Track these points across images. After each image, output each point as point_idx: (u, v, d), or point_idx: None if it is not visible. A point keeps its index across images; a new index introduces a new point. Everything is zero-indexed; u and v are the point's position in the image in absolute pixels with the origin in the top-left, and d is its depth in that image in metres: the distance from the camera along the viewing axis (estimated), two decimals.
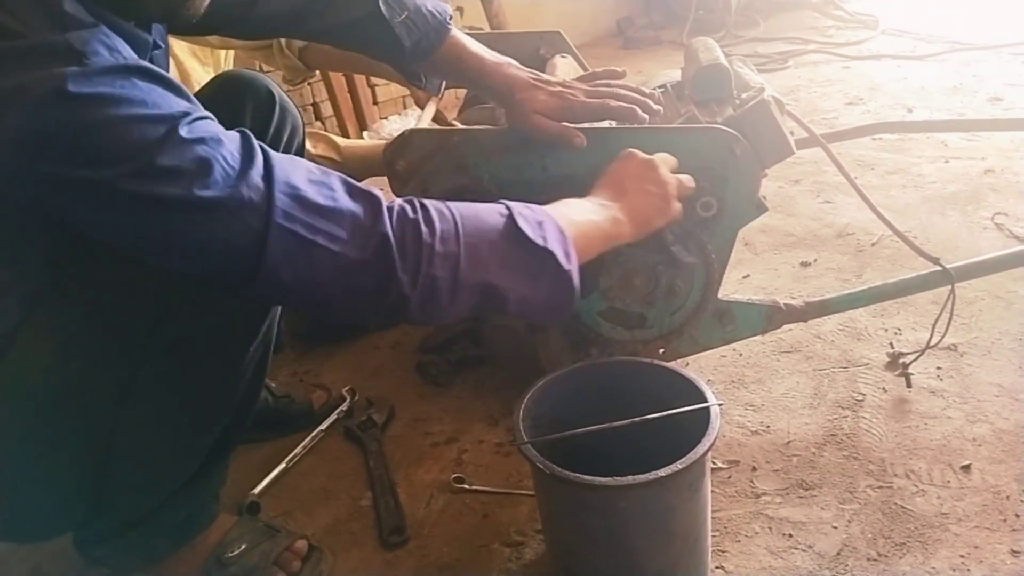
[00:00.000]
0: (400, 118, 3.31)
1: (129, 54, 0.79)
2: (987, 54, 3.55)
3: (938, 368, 1.50)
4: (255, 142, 0.82)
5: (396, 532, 1.23)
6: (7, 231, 0.84)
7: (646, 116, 1.19)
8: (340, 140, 1.98)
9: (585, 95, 1.19)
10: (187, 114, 0.77)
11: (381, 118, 3.23)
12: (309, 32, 1.25)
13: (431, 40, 1.22)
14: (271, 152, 0.82)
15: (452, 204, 0.90)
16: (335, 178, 0.85)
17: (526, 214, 0.93)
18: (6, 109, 0.71)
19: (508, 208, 0.93)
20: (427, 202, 0.88)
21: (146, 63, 0.79)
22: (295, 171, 0.83)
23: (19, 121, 0.71)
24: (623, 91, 1.21)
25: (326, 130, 3.18)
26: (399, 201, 0.87)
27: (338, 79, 3.04)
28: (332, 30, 1.22)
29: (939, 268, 1.38)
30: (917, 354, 1.47)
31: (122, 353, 0.92)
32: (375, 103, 3.20)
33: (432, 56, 1.23)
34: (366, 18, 1.19)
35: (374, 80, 3.17)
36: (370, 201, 0.85)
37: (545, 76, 1.24)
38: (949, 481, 1.24)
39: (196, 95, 1.31)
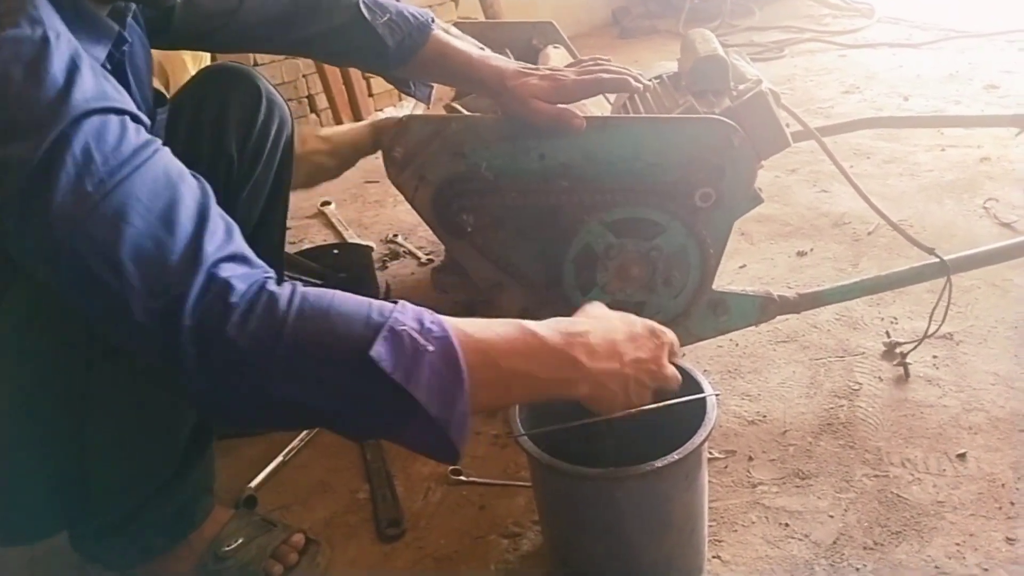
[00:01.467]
0: (395, 109, 3.30)
1: (52, 28, 0.74)
2: (982, 42, 3.54)
3: (934, 357, 1.51)
4: (143, 156, 0.74)
5: (393, 525, 1.24)
6: None
7: (639, 85, 1.20)
8: (325, 131, 1.97)
9: (576, 74, 1.20)
10: (70, 103, 0.71)
11: (376, 110, 3.22)
12: (291, 43, 1.26)
13: (415, 39, 1.23)
14: (144, 172, 0.73)
15: (316, 297, 0.72)
16: (189, 222, 0.72)
17: (407, 330, 0.72)
18: None
19: (387, 317, 0.72)
20: (276, 291, 0.72)
21: (68, 37, 0.75)
22: (148, 199, 0.72)
23: None
24: (611, 67, 1.22)
25: (321, 123, 3.17)
26: (244, 281, 0.71)
27: (333, 72, 3.03)
28: (314, 40, 1.23)
29: (935, 259, 1.38)
30: (914, 344, 1.47)
31: (68, 358, 0.91)
32: (370, 95, 3.18)
33: (417, 55, 1.24)
34: (348, 24, 1.20)
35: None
36: (194, 263, 0.70)
37: (532, 65, 1.24)
38: (945, 469, 1.25)
39: (184, 88, 1.31)
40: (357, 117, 3.13)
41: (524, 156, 1.23)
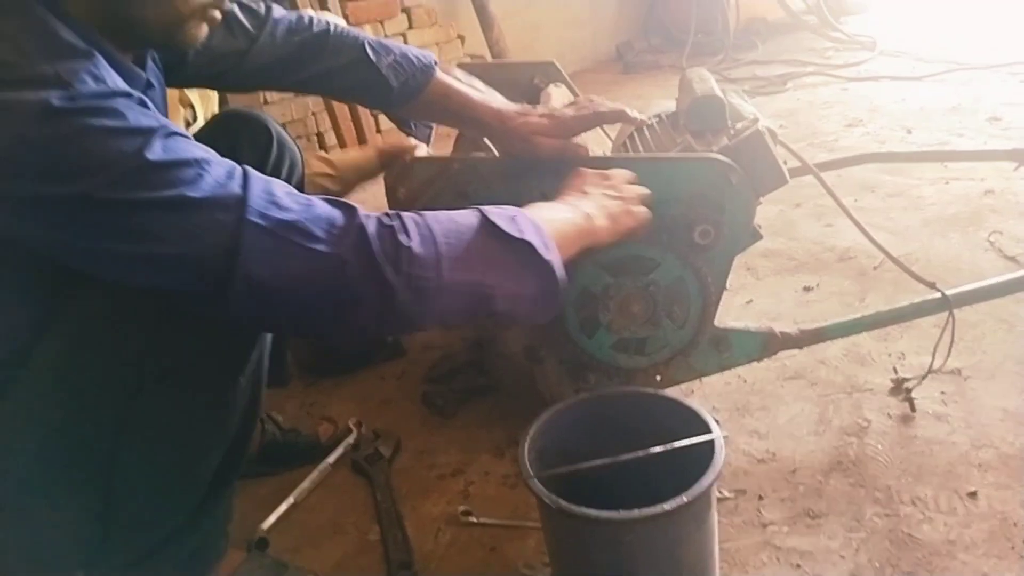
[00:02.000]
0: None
1: (115, 83, 0.82)
2: (985, 74, 3.57)
3: (942, 393, 1.51)
4: (238, 164, 0.85)
5: (404, 567, 1.24)
6: (7, 257, 0.85)
7: (637, 115, 1.25)
8: (331, 155, 2.01)
9: (574, 111, 1.24)
10: (164, 127, 0.80)
11: None
12: (298, 82, 1.29)
13: (418, 80, 1.27)
14: (252, 170, 0.85)
15: (426, 212, 0.92)
16: (314, 196, 0.87)
17: (498, 211, 0.95)
18: None
19: (480, 210, 0.95)
20: (400, 212, 0.90)
21: (131, 90, 0.82)
22: (274, 184, 0.85)
23: (4, 140, 0.74)
24: (605, 103, 1.25)
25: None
26: (373, 213, 0.88)
27: (341, 109, 3.08)
28: (320, 78, 1.27)
29: (937, 294, 1.39)
30: (919, 379, 1.47)
31: (114, 385, 0.92)
32: (378, 131, 3.22)
33: (420, 95, 1.27)
34: (353, 63, 1.24)
35: None
36: (346, 207, 0.86)
37: (529, 106, 1.28)
38: (956, 508, 1.24)
39: (196, 135, 1.34)
40: None
41: (526, 194, 1.24)
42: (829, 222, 2.28)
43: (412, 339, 1.88)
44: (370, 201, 1.76)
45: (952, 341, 1.41)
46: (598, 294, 1.28)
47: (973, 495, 1.26)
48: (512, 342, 1.44)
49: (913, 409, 1.46)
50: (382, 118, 3.28)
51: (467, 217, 0.93)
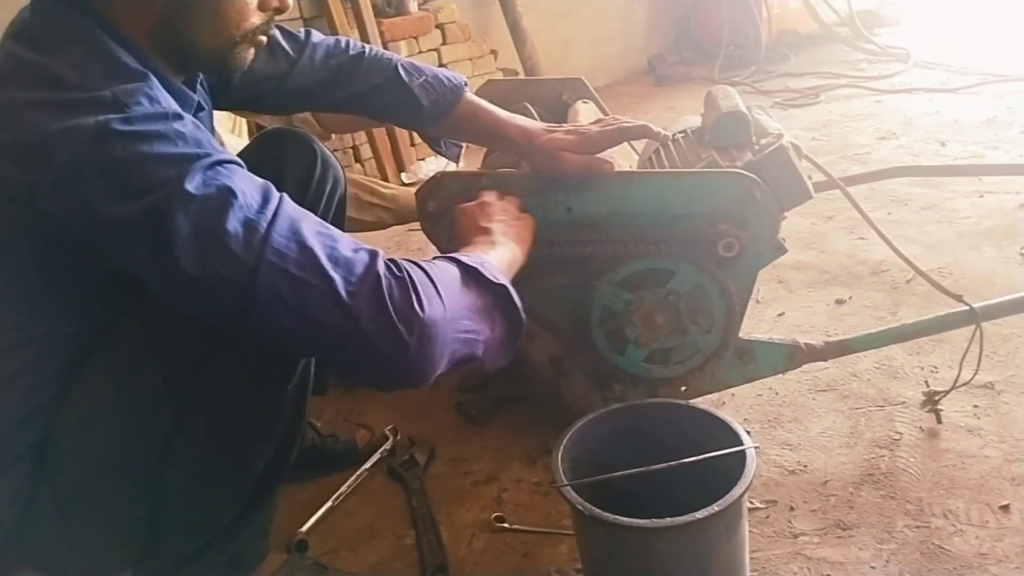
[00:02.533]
0: (436, 159, 3.39)
1: (169, 105, 0.87)
2: (1021, 86, 3.54)
3: (975, 406, 1.51)
4: (277, 194, 0.87)
5: (439, 571, 1.27)
6: (56, 270, 0.91)
7: (661, 131, 1.27)
8: (396, 190, 2.06)
9: (600, 127, 1.27)
10: (210, 155, 0.83)
11: (418, 159, 3.31)
12: (333, 102, 1.34)
13: (448, 99, 1.31)
14: (287, 204, 0.86)
15: (423, 263, 0.92)
16: (342, 236, 0.88)
17: (471, 258, 0.97)
18: (52, 149, 0.79)
19: (454, 257, 0.97)
20: (403, 263, 0.89)
21: (183, 112, 0.87)
22: (304, 221, 0.86)
23: (63, 159, 0.79)
24: (631, 120, 1.28)
25: (365, 172, 3.26)
26: (386, 261, 0.88)
27: None
28: (354, 98, 1.32)
29: (965, 307, 1.39)
30: (947, 391, 1.48)
31: (169, 392, 0.97)
32: (412, 144, 3.28)
33: (450, 114, 1.32)
34: (386, 83, 1.30)
35: None
36: (370, 255, 0.86)
37: (555, 124, 1.31)
38: (988, 521, 1.25)
39: (243, 152, 1.40)
40: (400, 167, 3.23)
41: (552, 209, 1.28)
42: (861, 235, 2.28)
43: None
44: None
45: (981, 353, 1.41)
46: (620, 311, 1.31)
47: (1006, 508, 1.26)
48: (537, 353, 1.46)
49: (939, 421, 1.46)
50: (416, 134, 3.34)
51: (449, 265, 0.94)
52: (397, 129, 3.18)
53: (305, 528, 1.37)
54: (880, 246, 1.98)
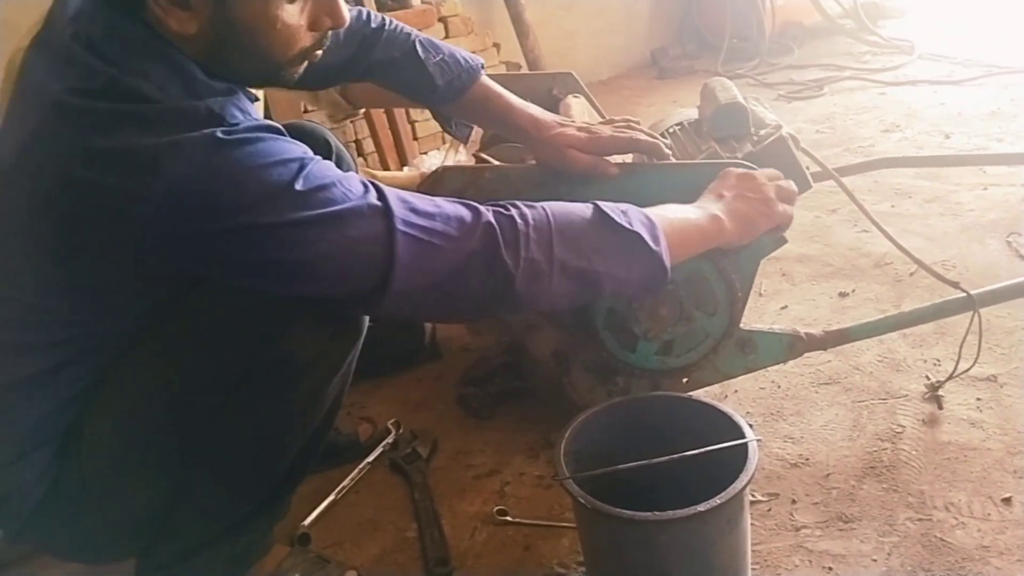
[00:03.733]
0: (439, 152, 3.38)
1: (256, 115, 0.90)
2: None
3: (978, 399, 1.51)
4: (363, 176, 0.94)
5: (441, 563, 1.27)
6: (128, 277, 0.91)
7: (668, 152, 1.27)
8: (377, 173, 2.05)
9: (612, 130, 1.27)
10: (308, 156, 0.90)
11: (421, 153, 3.30)
12: (357, 74, 1.35)
13: (462, 80, 1.32)
14: (380, 184, 0.93)
15: (543, 203, 1.01)
16: (437, 198, 0.96)
17: (610, 204, 1.04)
18: (160, 162, 0.81)
19: (595, 203, 1.04)
20: (519, 202, 0.99)
21: (271, 122, 0.90)
22: (400, 191, 0.94)
23: (175, 172, 0.81)
24: (643, 129, 1.29)
25: (368, 165, 3.26)
26: (493, 206, 0.98)
27: (379, 116, 3.13)
28: (374, 68, 1.33)
29: (961, 294, 1.40)
30: (947, 379, 1.49)
31: (221, 376, 0.98)
32: (415, 138, 3.27)
33: (463, 96, 1.32)
34: (403, 58, 1.31)
35: (414, 116, 3.25)
36: (468, 205, 0.96)
37: (567, 118, 1.31)
38: (990, 514, 1.25)
39: None
40: (403, 161, 3.22)
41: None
42: (865, 228, 2.27)
43: (448, 342, 1.92)
44: None
45: (980, 340, 1.42)
46: (624, 311, 1.31)
47: (1007, 501, 1.26)
48: (540, 348, 1.46)
49: (940, 407, 1.47)
50: (419, 126, 3.34)
51: (582, 209, 1.03)
52: (400, 122, 3.18)
53: (308, 521, 1.38)
54: (883, 239, 1.98)
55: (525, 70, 3.79)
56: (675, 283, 1.29)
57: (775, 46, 4.44)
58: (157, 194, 0.81)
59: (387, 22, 1.32)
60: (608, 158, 1.26)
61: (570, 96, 1.76)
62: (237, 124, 0.86)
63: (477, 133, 1.80)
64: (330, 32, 0.99)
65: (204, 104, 0.86)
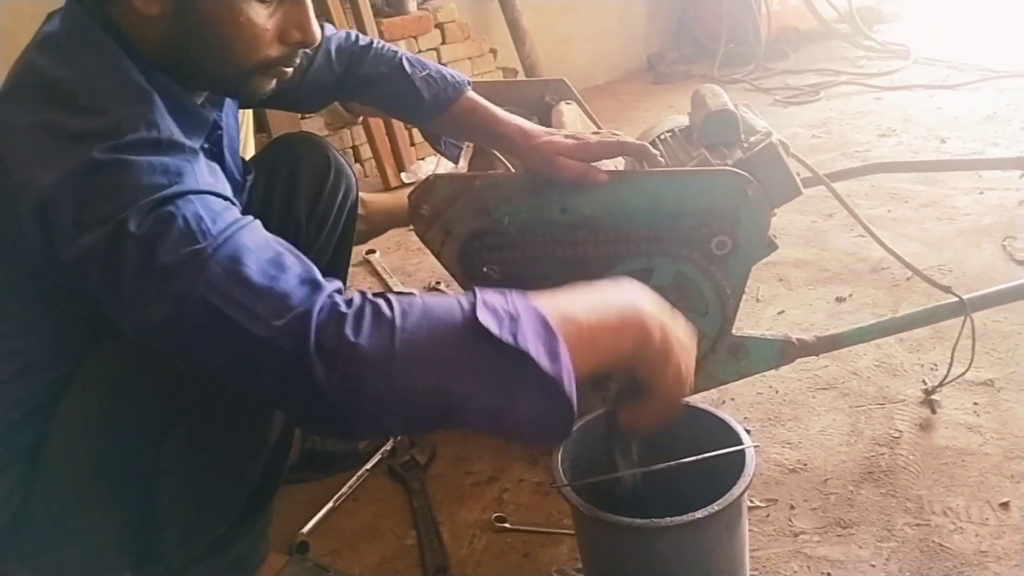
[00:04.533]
0: (436, 159, 3.39)
1: (166, 129, 0.84)
2: (1021, 82, 3.53)
3: (975, 404, 1.51)
4: (236, 222, 0.80)
5: (440, 571, 1.27)
6: (45, 288, 0.91)
7: (656, 154, 1.27)
8: (366, 196, 2.06)
9: (599, 137, 1.27)
10: (177, 185, 0.79)
11: (418, 159, 3.31)
12: (346, 92, 1.36)
13: (448, 94, 1.33)
14: (243, 233, 0.80)
15: (405, 299, 0.78)
16: (300, 267, 0.79)
17: (496, 305, 0.77)
18: (40, 173, 0.79)
19: (474, 298, 0.77)
20: (372, 298, 0.77)
21: (180, 139, 0.84)
22: (253, 251, 0.78)
23: (45, 183, 0.79)
24: (628, 138, 1.29)
25: (365, 172, 3.27)
26: (342, 296, 0.78)
27: (376, 123, 3.13)
28: (362, 85, 1.34)
29: (954, 298, 1.42)
30: (940, 383, 1.51)
31: (159, 402, 0.96)
32: (412, 144, 3.28)
33: (449, 110, 1.33)
34: (390, 73, 1.32)
35: None
36: (313, 289, 0.77)
37: (553, 128, 1.32)
38: (987, 518, 1.25)
39: (254, 158, 1.40)
40: (400, 167, 3.23)
41: (547, 209, 1.29)
42: (861, 233, 2.26)
43: None
44: None
45: (973, 346, 1.44)
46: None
47: (1005, 506, 1.26)
48: None
49: (934, 411, 1.48)
50: (416, 132, 3.34)
51: (451, 308, 0.77)
52: (397, 129, 3.19)
53: (306, 529, 1.38)
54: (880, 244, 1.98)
55: (522, 75, 3.80)
56: (663, 288, 1.30)
57: (771, 51, 4.46)
58: (28, 204, 0.80)
59: (374, 41, 1.34)
60: (598, 164, 1.26)
61: (562, 103, 1.76)
62: (133, 139, 0.80)
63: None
64: (301, 51, 0.97)
65: (116, 118, 0.81)
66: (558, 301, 0.81)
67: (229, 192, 0.85)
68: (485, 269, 1.29)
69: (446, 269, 1.35)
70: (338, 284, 0.79)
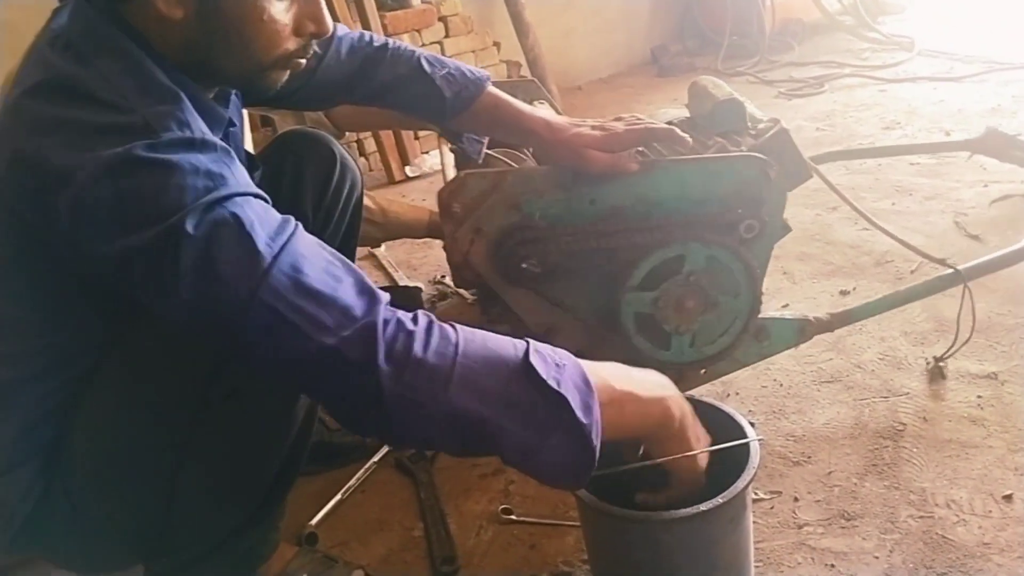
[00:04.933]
0: (439, 153, 3.39)
1: (198, 129, 0.86)
2: None
3: (979, 397, 1.52)
4: (291, 228, 0.83)
5: (448, 562, 1.28)
6: (71, 285, 0.92)
7: (687, 136, 1.26)
8: (386, 203, 2.06)
9: (625, 124, 1.26)
10: (225, 187, 0.81)
11: (423, 152, 3.31)
12: (360, 96, 1.34)
13: (470, 91, 1.30)
14: (297, 240, 0.83)
15: (466, 328, 0.85)
16: (352, 275, 0.83)
17: (545, 352, 0.85)
18: (75, 172, 0.79)
19: (527, 343, 0.85)
20: (436, 320, 0.84)
21: (212, 138, 0.86)
22: (311, 259, 0.82)
23: (83, 182, 0.79)
24: (652, 122, 1.28)
25: (370, 166, 3.27)
26: (407, 314, 0.83)
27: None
28: (379, 90, 1.32)
29: (950, 270, 1.50)
30: (945, 352, 1.57)
31: (182, 400, 0.98)
32: (416, 138, 3.28)
33: (472, 106, 1.31)
34: (409, 74, 1.29)
35: None
36: (373, 301, 0.81)
37: (578, 119, 1.31)
38: (991, 511, 1.26)
39: (261, 153, 1.41)
40: (404, 160, 3.23)
41: (576, 201, 1.29)
42: (866, 226, 2.27)
43: None
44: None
45: (973, 319, 1.51)
46: (651, 311, 1.32)
47: (1008, 498, 1.27)
48: (561, 347, 1.46)
49: (944, 377, 1.57)
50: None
51: (507, 346, 0.84)
52: None
53: (314, 521, 1.39)
54: (884, 237, 1.98)
55: (525, 69, 3.80)
56: (697, 274, 1.31)
57: (775, 43, 4.45)
58: (65, 202, 0.80)
59: (390, 42, 1.32)
60: (627, 153, 1.26)
61: (535, 102, 1.76)
62: (168, 138, 0.81)
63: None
64: (314, 42, 0.99)
65: (143, 115, 0.82)
66: (598, 366, 0.89)
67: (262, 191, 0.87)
68: (525, 265, 1.28)
69: (470, 266, 1.33)
70: (387, 296, 0.84)
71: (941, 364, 1.59)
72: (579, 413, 0.82)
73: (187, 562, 1.12)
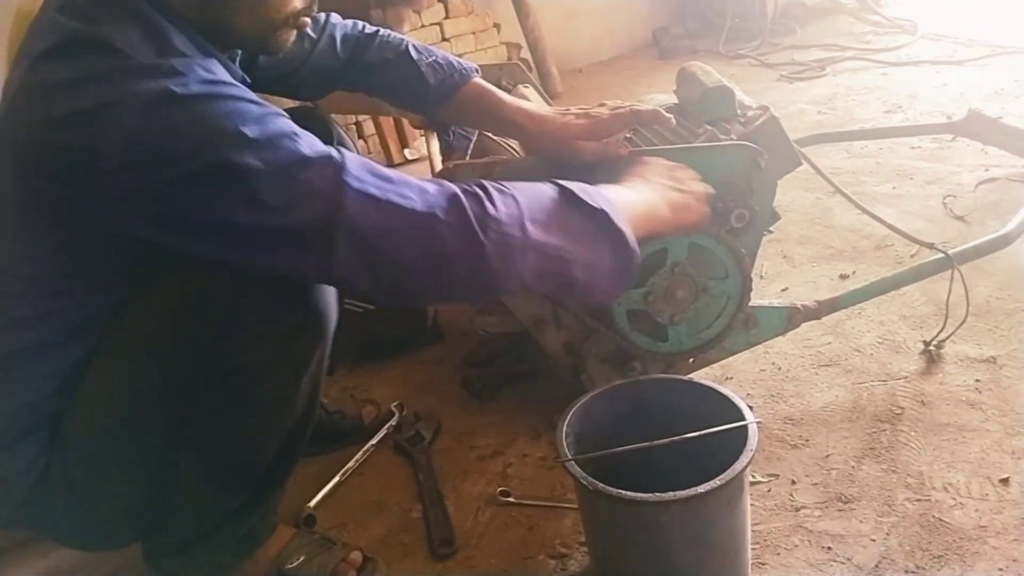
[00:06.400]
0: (434, 138, 3.38)
1: (224, 76, 0.89)
2: None
3: (976, 380, 1.52)
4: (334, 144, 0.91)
5: (446, 543, 1.29)
6: (98, 239, 0.92)
7: (671, 117, 1.25)
8: None
9: (610, 110, 1.25)
10: (267, 109, 0.88)
11: (421, 135, 3.29)
12: (348, 82, 1.35)
13: (455, 80, 1.31)
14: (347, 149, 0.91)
15: (505, 182, 0.97)
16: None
17: (570, 183, 1.00)
18: (119, 112, 0.81)
19: (555, 181, 1.00)
20: (482, 181, 0.96)
21: (236, 83, 0.89)
22: (367, 159, 0.92)
23: (131, 122, 0.81)
24: (637, 105, 1.27)
25: (368, 149, 3.26)
26: (458, 184, 0.94)
27: None
28: (368, 72, 1.32)
29: (940, 254, 1.51)
30: (937, 334, 1.58)
31: (181, 379, 0.98)
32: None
33: (455, 95, 1.31)
34: (396, 59, 1.30)
35: None
36: (432, 180, 0.93)
37: (562, 107, 1.31)
38: (987, 494, 1.26)
39: None
40: (403, 143, 3.22)
41: None
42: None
43: (451, 326, 1.93)
44: None
45: (967, 304, 1.53)
46: (643, 307, 1.33)
47: (1005, 481, 1.27)
48: (551, 341, 1.46)
49: (942, 360, 1.58)
50: None
51: (544, 186, 0.99)
52: None
53: (313, 503, 1.39)
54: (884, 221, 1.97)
55: (526, 50, 3.77)
56: (681, 264, 1.31)
57: (777, 26, 4.42)
58: (115, 147, 0.81)
59: (380, 30, 1.34)
60: (615, 138, 1.26)
61: (520, 86, 1.75)
62: (198, 78, 0.85)
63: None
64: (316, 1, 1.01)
65: (168, 62, 0.85)
66: (603, 188, 1.04)
67: None
68: None
69: None
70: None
71: (932, 348, 1.60)
72: (616, 220, 0.98)
73: (185, 543, 1.13)
